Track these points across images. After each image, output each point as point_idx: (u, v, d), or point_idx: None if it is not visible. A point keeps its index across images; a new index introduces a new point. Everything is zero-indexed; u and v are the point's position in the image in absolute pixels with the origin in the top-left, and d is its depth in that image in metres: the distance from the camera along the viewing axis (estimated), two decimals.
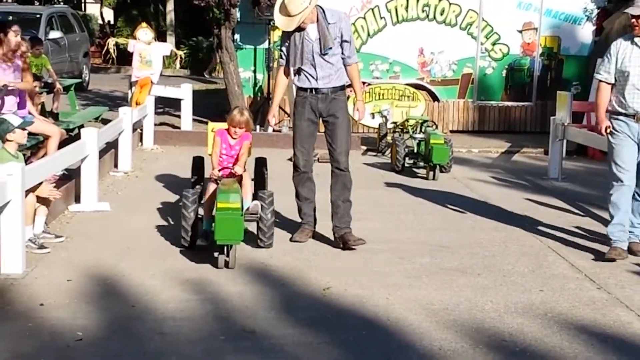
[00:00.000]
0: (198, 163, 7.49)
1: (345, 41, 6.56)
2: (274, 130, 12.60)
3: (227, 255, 5.88)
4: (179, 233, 6.35)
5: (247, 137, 6.69)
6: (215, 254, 5.91)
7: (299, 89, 6.71)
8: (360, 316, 5.09)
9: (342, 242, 6.55)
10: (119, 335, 4.65)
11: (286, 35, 6.62)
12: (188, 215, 6.25)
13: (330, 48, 6.47)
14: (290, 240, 6.70)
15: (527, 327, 4.95)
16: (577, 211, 8.47)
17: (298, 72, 6.64)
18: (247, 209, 6.27)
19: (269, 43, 13.73)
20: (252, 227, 6.56)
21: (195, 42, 25.64)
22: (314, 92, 6.61)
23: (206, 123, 13.90)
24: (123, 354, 4.39)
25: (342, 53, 6.59)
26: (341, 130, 6.63)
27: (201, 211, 6.44)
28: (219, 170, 6.51)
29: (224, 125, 6.90)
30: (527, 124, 14.47)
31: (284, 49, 6.67)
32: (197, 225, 6.29)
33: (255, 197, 6.57)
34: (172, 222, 7.31)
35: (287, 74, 6.76)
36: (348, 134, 6.71)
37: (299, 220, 6.88)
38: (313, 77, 6.57)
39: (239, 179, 6.48)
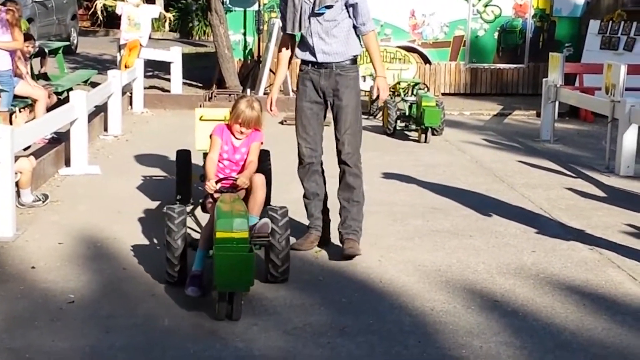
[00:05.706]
0: (183, 159, 6.07)
1: (352, 5, 5.32)
2: (264, 93, 12.52)
3: (230, 302, 4.34)
4: (170, 197, 6.01)
5: (256, 136, 5.14)
6: (214, 294, 4.47)
7: (301, 61, 5.57)
8: (352, 278, 5.09)
9: (341, 249, 5.46)
10: (111, 298, 4.64)
11: None
12: (173, 244, 4.63)
13: (328, 7, 5.25)
14: (291, 248, 5.05)
15: (519, 288, 4.96)
16: (569, 173, 8.48)
17: (301, 40, 5.51)
18: (254, 225, 4.74)
19: (259, 5, 13.58)
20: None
21: (184, 5, 25.37)
22: (315, 66, 5.44)
23: (196, 87, 13.85)
24: (115, 315, 4.38)
25: (355, 20, 5.39)
26: (346, 115, 5.41)
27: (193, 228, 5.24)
28: (217, 182, 4.91)
29: (216, 112, 5.67)
30: (520, 86, 14.42)
31: (283, 10, 5.45)
32: (185, 255, 4.73)
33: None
34: (162, 185, 7.27)
35: (288, 45, 5.59)
36: (356, 120, 5.46)
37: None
38: (310, 50, 5.43)
39: (247, 191, 4.96)
